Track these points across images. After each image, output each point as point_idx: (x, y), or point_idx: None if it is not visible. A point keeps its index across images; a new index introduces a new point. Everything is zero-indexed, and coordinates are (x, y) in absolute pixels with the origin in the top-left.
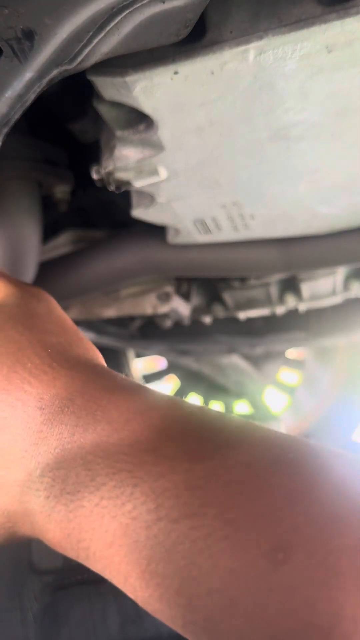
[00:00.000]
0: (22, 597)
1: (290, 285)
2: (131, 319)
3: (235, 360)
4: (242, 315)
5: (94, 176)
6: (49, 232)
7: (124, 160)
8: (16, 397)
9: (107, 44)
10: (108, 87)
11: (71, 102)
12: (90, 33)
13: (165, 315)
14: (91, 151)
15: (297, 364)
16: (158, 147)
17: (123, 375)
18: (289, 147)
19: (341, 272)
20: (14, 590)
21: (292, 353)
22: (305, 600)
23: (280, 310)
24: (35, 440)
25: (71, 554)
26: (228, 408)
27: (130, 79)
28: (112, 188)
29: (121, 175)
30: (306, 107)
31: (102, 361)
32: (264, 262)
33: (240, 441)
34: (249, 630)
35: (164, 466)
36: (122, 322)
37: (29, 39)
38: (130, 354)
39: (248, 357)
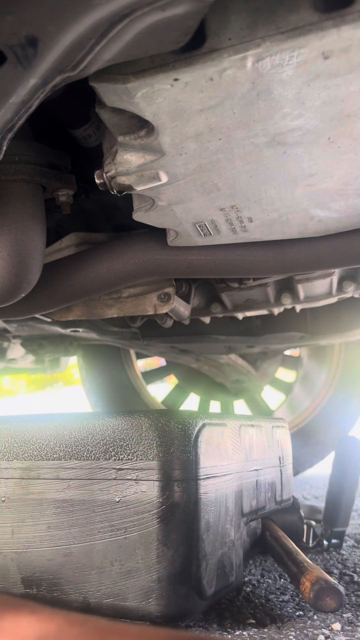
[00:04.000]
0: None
1: (287, 286)
2: (132, 318)
3: (234, 359)
4: (241, 315)
5: (97, 180)
6: (52, 234)
7: (126, 165)
8: None
9: (109, 51)
10: (110, 93)
11: (74, 108)
12: (93, 40)
13: (166, 315)
14: (94, 156)
15: (293, 362)
16: (158, 152)
17: None
18: (286, 152)
19: (336, 273)
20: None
21: (289, 351)
22: None
23: (277, 310)
24: None
25: None
26: (227, 407)
27: (131, 85)
28: (114, 192)
29: (123, 179)
30: (303, 113)
31: None
32: (261, 264)
33: None
34: None
35: None
36: (123, 322)
37: (32, 45)
38: (132, 353)
39: (246, 356)
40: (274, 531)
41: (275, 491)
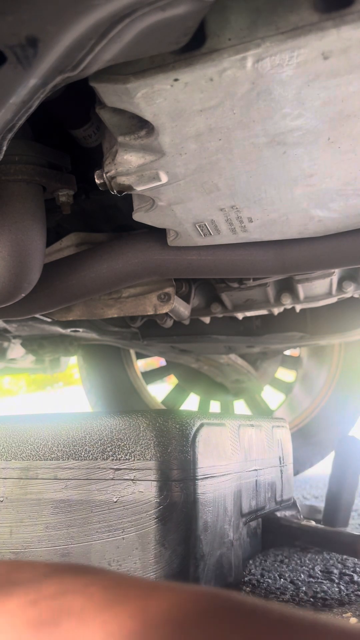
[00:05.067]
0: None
1: (287, 286)
2: (132, 318)
3: (234, 359)
4: (241, 315)
5: (97, 180)
6: (52, 234)
7: (126, 165)
8: None
9: (109, 51)
10: (110, 93)
11: (74, 108)
12: (93, 40)
13: (166, 315)
14: (94, 156)
15: (293, 362)
16: (159, 152)
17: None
18: (286, 153)
19: (336, 273)
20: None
21: (289, 351)
22: None
23: (277, 310)
24: None
25: None
26: (226, 407)
27: (131, 85)
28: (114, 192)
29: (123, 179)
30: (303, 113)
31: None
32: (261, 264)
33: None
34: None
35: None
36: (123, 322)
37: (32, 46)
38: (132, 353)
39: (246, 356)
40: (295, 522)
41: (276, 491)
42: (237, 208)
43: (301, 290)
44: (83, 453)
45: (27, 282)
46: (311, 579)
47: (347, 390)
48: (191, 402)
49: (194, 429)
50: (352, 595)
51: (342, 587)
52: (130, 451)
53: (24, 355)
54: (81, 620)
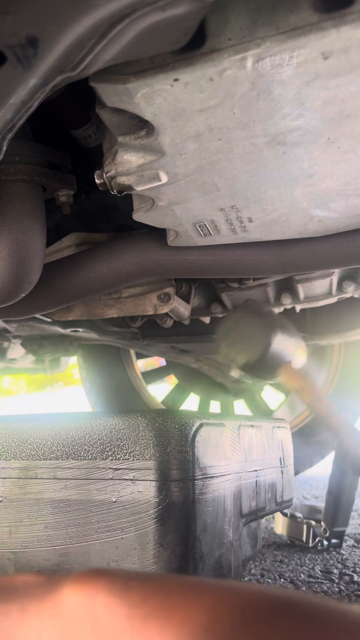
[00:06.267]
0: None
1: (287, 286)
2: (132, 318)
3: None
4: None
5: (97, 180)
6: (52, 234)
7: (126, 165)
8: None
9: (109, 52)
10: (110, 93)
11: (74, 108)
12: (93, 40)
13: (166, 315)
14: (94, 156)
15: None
16: (159, 152)
17: None
18: (285, 153)
19: (336, 273)
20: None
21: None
22: None
23: (277, 310)
24: None
25: None
26: (226, 407)
27: (131, 85)
28: (114, 192)
29: (123, 179)
30: (303, 113)
31: None
32: (261, 264)
33: None
34: None
35: None
36: (123, 322)
37: (32, 46)
38: (132, 353)
39: None
40: None
41: (276, 492)
42: (237, 208)
43: (301, 290)
44: (82, 453)
45: (27, 282)
46: (311, 579)
47: (347, 390)
48: (191, 402)
49: (194, 429)
50: (352, 595)
51: (342, 587)
52: (129, 451)
53: (24, 355)
54: (162, 620)
